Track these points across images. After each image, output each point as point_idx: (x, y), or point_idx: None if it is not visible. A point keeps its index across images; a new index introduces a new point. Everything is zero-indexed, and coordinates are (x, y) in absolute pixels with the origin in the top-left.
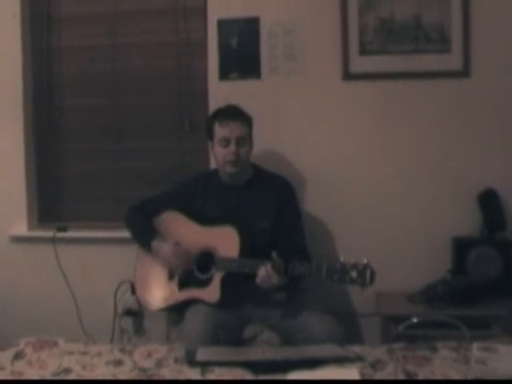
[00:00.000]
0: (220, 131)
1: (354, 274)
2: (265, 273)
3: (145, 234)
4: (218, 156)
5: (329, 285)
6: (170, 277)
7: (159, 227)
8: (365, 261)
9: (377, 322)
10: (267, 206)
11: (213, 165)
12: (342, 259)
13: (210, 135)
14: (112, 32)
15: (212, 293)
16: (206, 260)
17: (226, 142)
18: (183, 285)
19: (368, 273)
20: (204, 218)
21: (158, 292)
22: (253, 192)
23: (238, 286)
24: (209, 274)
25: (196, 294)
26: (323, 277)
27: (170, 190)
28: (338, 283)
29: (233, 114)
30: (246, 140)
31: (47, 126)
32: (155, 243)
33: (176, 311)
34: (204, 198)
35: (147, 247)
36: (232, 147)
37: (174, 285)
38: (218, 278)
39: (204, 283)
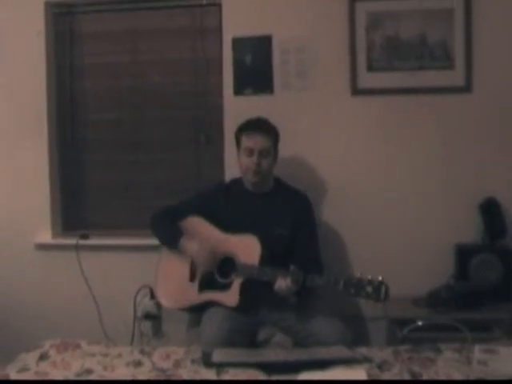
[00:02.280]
0: (245, 142)
1: (369, 289)
2: (283, 283)
3: (172, 234)
4: (242, 164)
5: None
6: (192, 278)
7: (183, 231)
8: (380, 277)
9: (383, 325)
10: (285, 216)
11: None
12: (359, 274)
13: (238, 144)
14: (132, 50)
15: (231, 297)
16: (226, 265)
17: (249, 152)
18: (203, 287)
19: (383, 289)
20: (226, 225)
21: (179, 292)
22: (273, 202)
23: (256, 291)
24: (229, 279)
25: (215, 297)
26: (340, 290)
27: (194, 196)
28: (353, 297)
29: (259, 126)
30: (269, 152)
31: (70, 139)
32: (182, 241)
33: (194, 312)
34: (227, 205)
35: (174, 245)
36: (254, 158)
37: (195, 287)
38: (237, 283)
39: (224, 287)
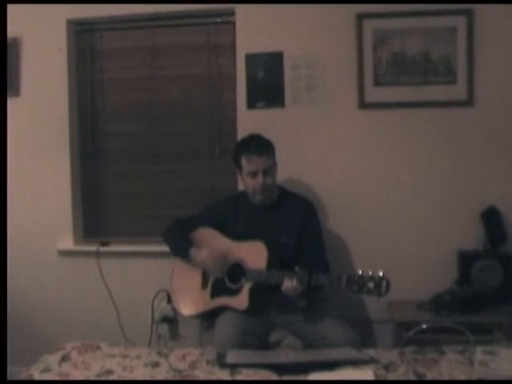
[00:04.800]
0: (247, 165)
1: (371, 284)
2: (290, 284)
3: (182, 245)
4: (248, 185)
5: (346, 294)
6: (204, 286)
7: (194, 242)
8: (381, 273)
9: (389, 327)
10: (291, 224)
11: (241, 186)
12: (360, 271)
13: (238, 165)
14: (150, 65)
15: (241, 301)
16: (236, 271)
17: (253, 174)
18: (215, 293)
19: (384, 284)
20: (235, 234)
21: (192, 299)
22: (279, 211)
23: (265, 294)
24: (238, 284)
25: (227, 301)
26: (343, 287)
27: (204, 209)
28: (356, 293)
29: (258, 149)
30: (271, 170)
31: (91, 151)
32: (192, 251)
33: (208, 318)
34: (235, 216)
35: (185, 256)
36: (259, 179)
37: (207, 293)
38: (246, 287)
39: (234, 292)
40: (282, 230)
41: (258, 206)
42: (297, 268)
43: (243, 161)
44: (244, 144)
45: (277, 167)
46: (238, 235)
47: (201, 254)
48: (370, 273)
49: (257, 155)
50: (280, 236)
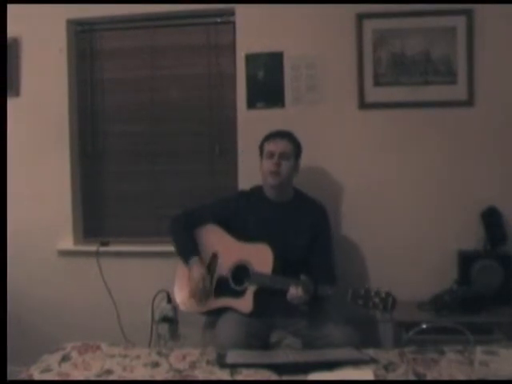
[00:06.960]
0: (267, 147)
1: (376, 300)
2: (295, 292)
3: (186, 249)
4: (264, 168)
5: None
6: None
7: (200, 238)
8: (387, 289)
9: (389, 327)
10: (303, 226)
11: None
12: (366, 286)
13: (261, 154)
14: (150, 65)
15: (245, 304)
16: (241, 272)
17: (270, 155)
18: (219, 293)
19: (390, 300)
20: (243, 232)
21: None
22: (291, 212)
23: (269, 299)
24: (243, 286)
25: (230, 303)
26: (348, 300)
27: (212, 203)
28: (361, 307)
29: (280, 133)
30: (289, 156)
31: (91, 150)
32: (192, 261)
33: (210, 315)
34: (246, 213)
35: (185, 262)
36: (275, 159)
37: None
38: (251, 291)
39: (238, 294)
40: (292, 231)
41: (271, 203)
42: (303, 277)
43: (265, 145)
44: (270, 132)
45: (298, 168)
46: (245, 234)
47: (194, 270)
48: (376, 288)
49: (278, 138)
50: (289, 236)
